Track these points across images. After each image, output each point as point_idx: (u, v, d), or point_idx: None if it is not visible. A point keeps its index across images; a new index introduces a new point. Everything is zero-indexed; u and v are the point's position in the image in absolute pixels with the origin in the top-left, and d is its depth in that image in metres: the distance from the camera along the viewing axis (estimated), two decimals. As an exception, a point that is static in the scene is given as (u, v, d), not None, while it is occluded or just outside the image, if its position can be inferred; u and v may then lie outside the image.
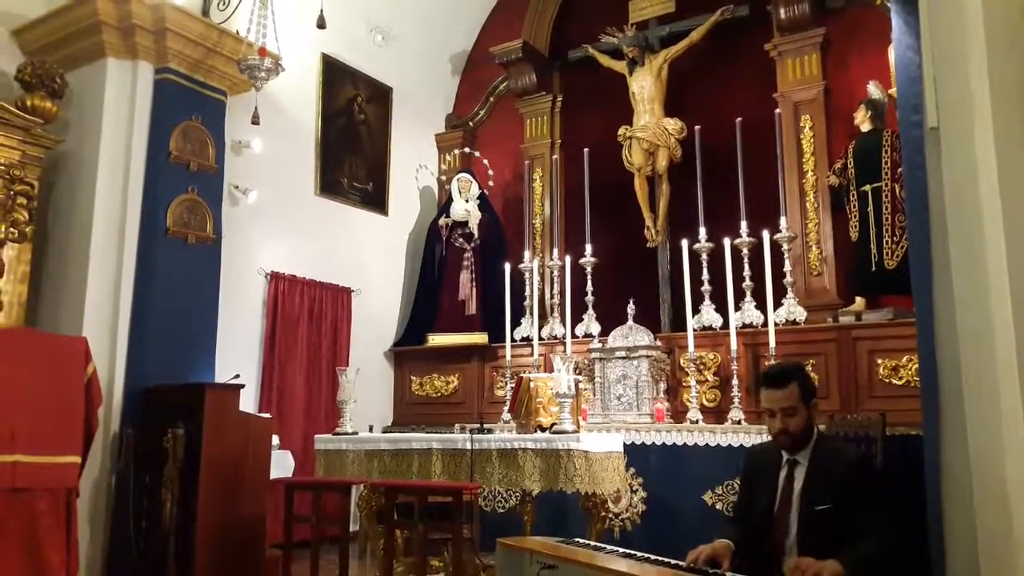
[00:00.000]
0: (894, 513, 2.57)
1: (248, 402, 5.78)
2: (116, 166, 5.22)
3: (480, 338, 7.28)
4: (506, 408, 6.31)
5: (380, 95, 7.83)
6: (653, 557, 2.40)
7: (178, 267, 5.27)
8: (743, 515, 2.88)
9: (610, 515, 5.06)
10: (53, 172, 5.27)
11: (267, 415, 5.77)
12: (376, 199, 7.70)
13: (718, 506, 5.28)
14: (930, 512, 2.95)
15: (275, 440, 5.54)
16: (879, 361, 5.42)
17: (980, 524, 2.60)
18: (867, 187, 5.75)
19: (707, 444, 5.47)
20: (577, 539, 2.80)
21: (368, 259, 7.47)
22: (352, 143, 7.50)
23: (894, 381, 5.34)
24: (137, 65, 5.36)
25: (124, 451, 4.79)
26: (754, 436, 5.13)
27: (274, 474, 5.22)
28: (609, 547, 2.63)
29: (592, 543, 2.80)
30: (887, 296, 5.67)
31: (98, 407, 4.20)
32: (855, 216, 5.83)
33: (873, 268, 5.66)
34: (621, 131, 6.84)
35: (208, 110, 5.69)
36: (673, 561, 2.35)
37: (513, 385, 5.78)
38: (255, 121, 5.42)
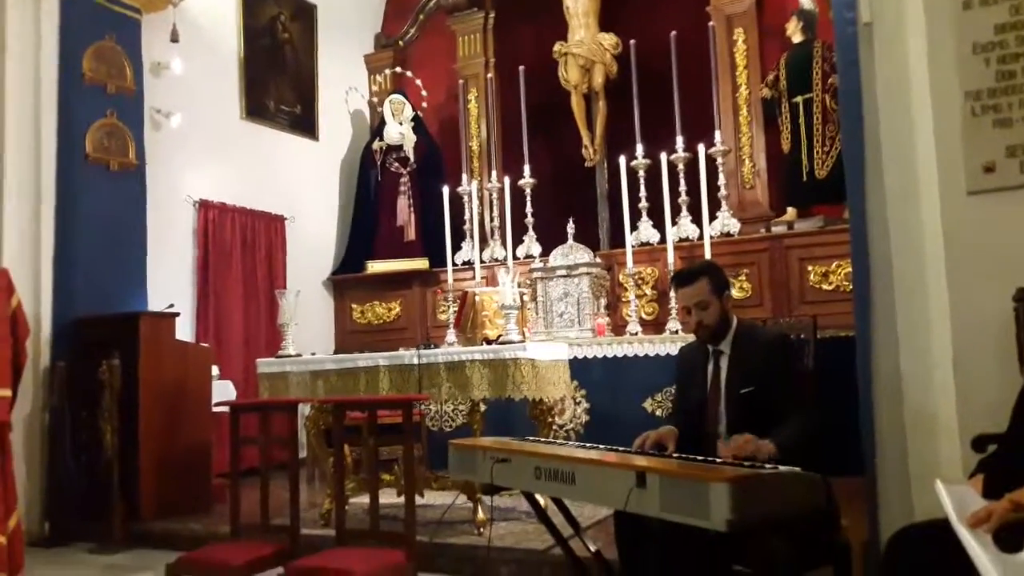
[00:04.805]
0: (807, 389, 2.66)
1: (185, 333, 5.65)
2: (24, 89, 4.91)
3: (421, 263, 7.23)
4: (450, 330, 6.31)
5: (304, 13, 7.50)
6: (602, 447, 2.47)
7: (101, 195, 5.05)
8: (680, 408, 2.97)
9: (555, 426, 5.18)
10: (-44, 97, 4.92)
11: (205, 345, 5.66)
12: (305, 123, 7.45)
13: (657, 412, 5.44)
14: (862, 405, 3.08)
15: (215, 370, 5.45)
16: (810, 268, 5.62)
17: (907, 412, 2.75)
18: (799, 99, 5.85)
19: (646, 355, 5.60)
20: (528, 437, 2.87)
21: (301, 186, 7.27)
22: (277, 64, 7.20)
23: (824, 287, 5.55)
24: (38, -20, 5.00)
25: (56, 384, 4.65)
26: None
27: (216, 407, 5.15)
28: (559, 441, 2.69)
29: (542, 439, 2.87)
30: (818, 206, 5.83)
31: (26, 339, 4.01)
32: (787, 128, 5.94)
33: (804, 178, 5.81)
34: (556, 47, 6.74)
35: (122, 29, 5.39)
36: (621, 448, 2.42)
37: (456, 309, 5.79)
38: (174, 39, 5.18)
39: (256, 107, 6.92)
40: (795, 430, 2.43)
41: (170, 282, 5.81)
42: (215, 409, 5.07)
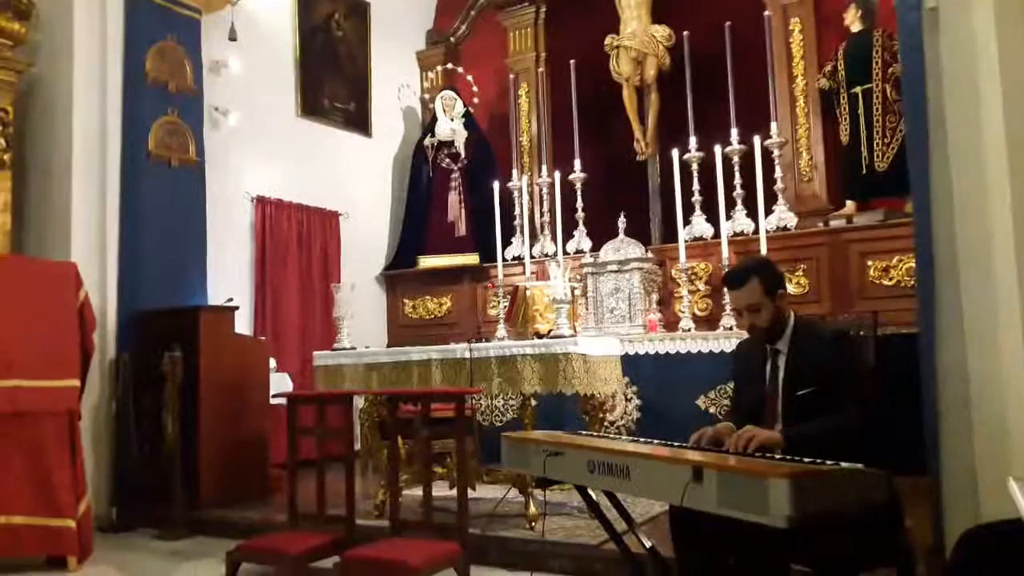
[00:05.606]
0: (868, 386, 2.57)
1: (243, 327, 5.77)
2: (91, 88, 5.08)
3: (471, 259, 7.27)
4: (500, 325, 6.31)
5: (358, 11, 7.59)
6: (656, 441, 2.44)
7: (163, 190, 5.20)
8: (737, 407, 2.92)
9: (606, 423, 5.15)
10: (28, 97, 5.12)
11: (263, 338, 5.78)
12: (359, 120, 7.55)
13: (711, 410, 5.37)
14: (925, 403, 2.98)
15: (272, 363, 5.57)
16: (869, 263, 5.47)
17: (975, 410, 2.65)
18: (858, 89, 5.68)
19: (699, 351, 5.52)
20: (581, 431, 2.86)
21: (354, 182, 7.37)
22: (332, 62, 7.30)
23: (884, 282, 5.40)
24: (105, -18, 5.16)
25: (121, 375, 4.80)
26: (746, 341, 5.19)
27: (273, 398, 5.26)
28: (612, 435, 2.67)
29: (594, 434, 2.85)
30: (878, 199, 5.67)
31: (92, 331, 4.17)
32: (846, 119, 5.78)
33: (864, 171, 5.65)
34: (608, 40, 6.69)
35: (183, 29, 5.52)
36: (676, 443, 2.39)
37: (507, 304, 5.80)
38: (232, 37, 5.29)
39: (311, 105, 7.04)
40: (813, 427, 2.34)
41: (229, 276, 5.95)
42: (273, 401, 5.19)
